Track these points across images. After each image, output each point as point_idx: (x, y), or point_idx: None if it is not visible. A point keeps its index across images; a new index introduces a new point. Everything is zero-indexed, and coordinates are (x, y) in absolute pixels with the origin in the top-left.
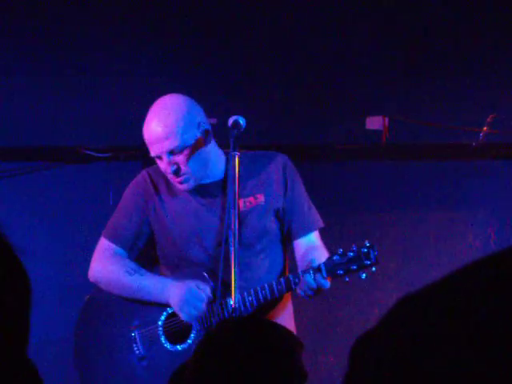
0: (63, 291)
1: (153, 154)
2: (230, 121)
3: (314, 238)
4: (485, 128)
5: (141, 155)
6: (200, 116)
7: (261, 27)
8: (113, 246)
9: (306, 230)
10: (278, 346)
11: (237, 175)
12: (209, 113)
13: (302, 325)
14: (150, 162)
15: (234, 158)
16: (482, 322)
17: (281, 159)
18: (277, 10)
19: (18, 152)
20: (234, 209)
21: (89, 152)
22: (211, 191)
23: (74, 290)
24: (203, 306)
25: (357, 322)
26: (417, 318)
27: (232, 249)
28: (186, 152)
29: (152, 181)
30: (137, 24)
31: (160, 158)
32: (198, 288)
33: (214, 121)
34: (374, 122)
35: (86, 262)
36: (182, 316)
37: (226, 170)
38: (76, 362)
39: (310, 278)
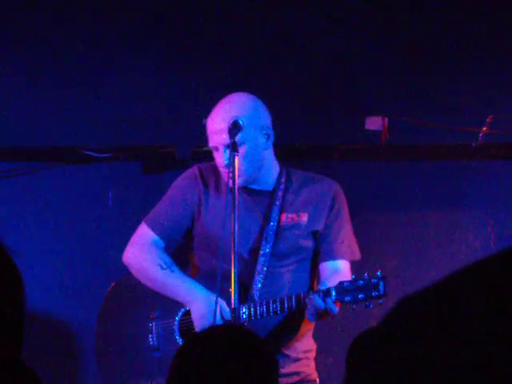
0: (63, 291)
1: (211, 144)
2: (230, 121)
3: (342, 266)
4: (484, 128)
5: (141, 155)
6: (266, 120)
7: (261, 27)
8: (152, 233)
9: (335, 256)
10: (255, 357)
11: (237, 177)
12: (209, 113)
13: None
14: (150, 162)
15: (235, 158)
16: (482, 322)
17: (333, 186)
18: (277, 10)
19: (18, 152)
20: (234, 210)
21: (89, 152)
22: (257, 198)
23: (74, 290)
24: None
25: (356, 321)
26: (416, 319)
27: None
28: (242, 149)
29: (202, 177)
30: (137, 24)
31: (217, 149)
32: (221, 309)
33: None
34: (374, 122)
35: (86, 262)
36: (196, 329)
37: (278, 182)
38: (95, 343)
39: (318, 299)
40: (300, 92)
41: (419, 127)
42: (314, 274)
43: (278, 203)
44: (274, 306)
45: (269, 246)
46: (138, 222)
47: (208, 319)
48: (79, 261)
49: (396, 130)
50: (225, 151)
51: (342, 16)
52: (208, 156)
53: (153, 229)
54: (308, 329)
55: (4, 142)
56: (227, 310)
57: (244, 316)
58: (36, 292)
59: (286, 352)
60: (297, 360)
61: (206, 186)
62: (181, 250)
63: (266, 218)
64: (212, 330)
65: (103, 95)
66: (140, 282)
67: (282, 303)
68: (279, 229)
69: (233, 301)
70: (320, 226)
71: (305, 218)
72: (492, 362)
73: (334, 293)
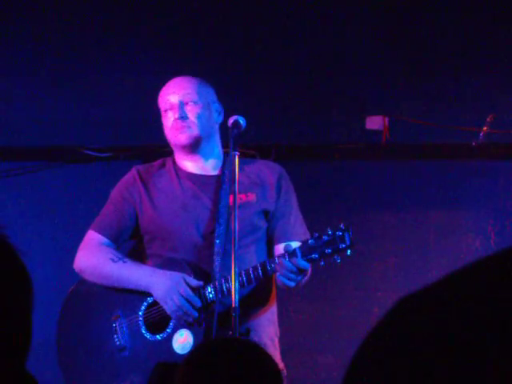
0: (63, 291)
1: (165, 105)
2: (230, 120)
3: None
4: (485, 128)
5: (141, 155)
6: (217, 100)
7: (261, 27)
8: (99, 236)
9: (289, 237)
10: (259, 370)
11: (237, 174)
12: None
13: (301, 324)
14: (149, 162)
15: (235, 157)
16: (482, 322)
17: (278, 168)
18: (277, 10)
19: (18, 152)
20: (235, 209)
21: (89, 152)
22: (202, 185)
23: None
24: (186, 302)
25: (356, 321)
26: (416, 319)
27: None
28: (198, 107)
29: (140, 176)
30: (137, 24)
31: (172, 108)
32: (185, 282)
33: None
34: (374, 122)
35: None
36: (166, 308)
37: (222, 168)
38: (59, 357)
39: (286, 261)
40: (300, 92)
41: (420, 127)
42: (270, 255)
43: (224, 186)
44: (240, 278)
45: (222, 227)
46: None
47: (173, 293)
48: None
49: (396, 130)
50: (180, 106)
51: (343, 15)
52: None
53: (99, 232)
54: (273, 314)
55: (4, 142)
56: (194, 281)
57: (210, 296)
58: (35, 292)
59: (252, 338)
60: (263, 346)
61: (145, 184)
62: (134, 252)
63: (215, 202)
64: (218, 342)
65: (103, 95)
66: (94, 285)
67: (247, 275)
68: (229, 209)
69: (233, 300)
70: (270, 207)
71: (253, 197)
72: (492, 362)
73: (299, 252)
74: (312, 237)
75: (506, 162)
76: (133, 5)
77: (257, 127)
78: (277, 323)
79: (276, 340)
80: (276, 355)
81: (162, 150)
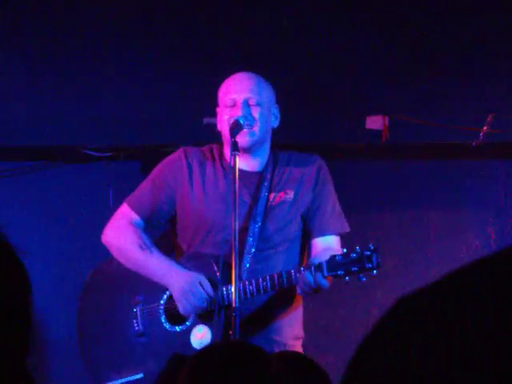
0: (63, 291)
1: (228, 101)
2: (231, 121)
3: (333, 241)
4: (485, 128)
5: (141, 155)
6: (275, 101)
7: (261, 27)
8: (133, 214)
9: (325, 232)
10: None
11: (237, 175)
12: (209, 113)
13: None
14: (149, 162)
15: (235, 157)
16: (482, 322)
17: (318, 160)
18: (277, 10)
19: (18, 152)
20: (235, 210)
21: (89, 152)
22: (245, 180)
23: (73, 290)
24: (201, 304)
25: (356, 321)
26: (415, 319)
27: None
28: (261, 109)
29: (187, 159)
30: (137, 24)
31: (234, 104)
32: (201, 285)
33: (214, 120)
34: (374, 122)
35: (86, 262)
36: (179, 308)
37: (267, 164)
38: (78, 335)
39: (309, 275)
40: (300, 91)
41: (420, 126)
42: (303, 256)
43: (266, 184)
44: (264, 283)
45: (257, 225)
46: None
47: (189, 296)
48: (79, 260)
49: (397, 130)
50: (243, 105)
51: (343, 15)
52: None
53: (134, 210)
54: (297, 314)
55: (4, 142)
56: (210, 285)
57: (233, 296)
58: (35, 292)
59: (274, 337)
60: (285, 346)
61: (190, 168)
62: (166, 237)
63: (255, 198)
64: (223, 345)
65: (103, 95)
66: (121, 267)
67: (272, 280)
68: (268, 208)
69: (234, 300)
70: (307, 202)
71: (291, 194)
72: (492, 362)
73: (325, 267)
74: (340, 253)
75: (506, 162)
76: (133, 5)
77: None
78: (301, 323)
79: (300, 340)
80: None
81: (162, 149)
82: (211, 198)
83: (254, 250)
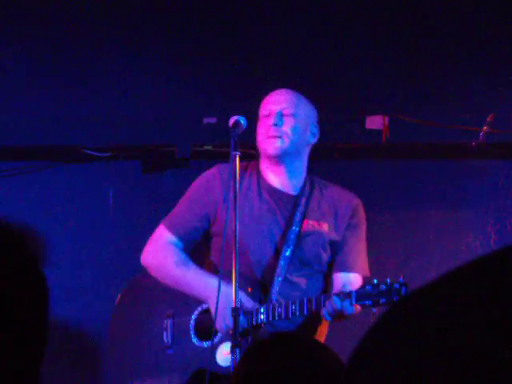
0: (63, 291)
1: (264, 111)
2: (231, 121)
3: (355, 279)
4: (485, 128)
5: (141, 155)
6: (316, 122)
7: (261, 27)
8: (169, 234)
9: (349, 268)
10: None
11: (238, 176)
12: (209, 113)
13: None
14: (149, 162)
15: (235, 158)
16: (481, 321)
17: (356, 200)
18: (277, 9)
19: (18, 152)
20: (235, 210)
21: (89, 152)
22: (280, 201)
23: (73, 290)
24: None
25: (356, 321)
26: (415, 318)
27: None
28: (294, 121)
29: (221, 177)
30: (137, 24)
31: (268, 115)
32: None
33: (214, 120)
34: (374, 122)
35: (86, 261)
36: (217, 325)
37: (303, 189)
38: (108, 343)
39: (338, 301)
40: (300, 91)
41: (420, 126)
42: (326, 287)
43: (301, 209)
44: (293, 307)
45: (289, 249)
46: (138, 221)
47: (226, 314)
48: (79, 260)
49: (396, 129)
50: (277, 115)
51: (343, 15)
52: (208, 155)
53: (170, 230)
54: (323, 335)
55: (4, 142)
56: (247, 305)
57: (262, 316)
58: None
59: None
60: None
61: (225, 186)
62: (197, 249)
63: (288, 222)
64: (279, 338)
65: (103, 95)
66: (157, 280)
67: (301, 305)
68: (301, 234)
69: (234, 299)
70: (338, 237)
71: (325, 227)
72: (491, 362)
73: (354, 296)
74: (370, 283)
75: (506, 162)
76: (133, 5)
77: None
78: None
79: None
80: None
81: (162, 149)
82: (246, 218)
83: (284, 274)
